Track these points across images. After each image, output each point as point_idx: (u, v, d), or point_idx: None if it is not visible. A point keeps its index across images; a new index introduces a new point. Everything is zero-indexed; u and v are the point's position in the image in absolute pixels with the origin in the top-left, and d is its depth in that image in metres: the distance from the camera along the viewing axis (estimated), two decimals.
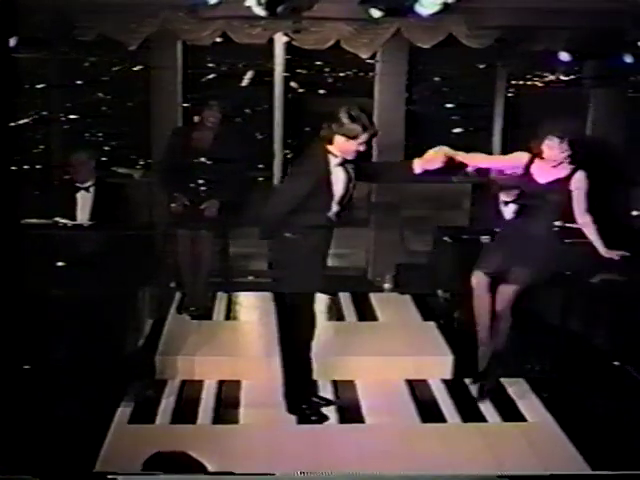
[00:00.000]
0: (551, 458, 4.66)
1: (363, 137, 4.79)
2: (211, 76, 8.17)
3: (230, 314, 6.95)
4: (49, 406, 4.68)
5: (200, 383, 5.66)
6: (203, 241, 6.74)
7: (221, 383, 5.67)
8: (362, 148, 4.84)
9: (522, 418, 5.26)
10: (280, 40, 7.41)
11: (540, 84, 8.43)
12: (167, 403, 5.37)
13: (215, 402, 5.42)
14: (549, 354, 5.74)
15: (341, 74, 8.43)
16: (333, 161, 4.85)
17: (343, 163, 4.86)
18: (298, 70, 8.19)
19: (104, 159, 7.89)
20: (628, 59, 7.04)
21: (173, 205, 6.59)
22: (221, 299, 7.18)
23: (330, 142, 4.83)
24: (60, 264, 5.68)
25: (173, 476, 4.03)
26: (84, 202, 6.44)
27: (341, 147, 4.82)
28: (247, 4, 6.43)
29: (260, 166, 8.00)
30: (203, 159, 6.55)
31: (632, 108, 7.82)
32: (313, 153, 4.93)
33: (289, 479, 4.03)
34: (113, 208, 6.44)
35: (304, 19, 6.87)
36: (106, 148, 8.15)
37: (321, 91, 8.44)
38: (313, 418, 5.14)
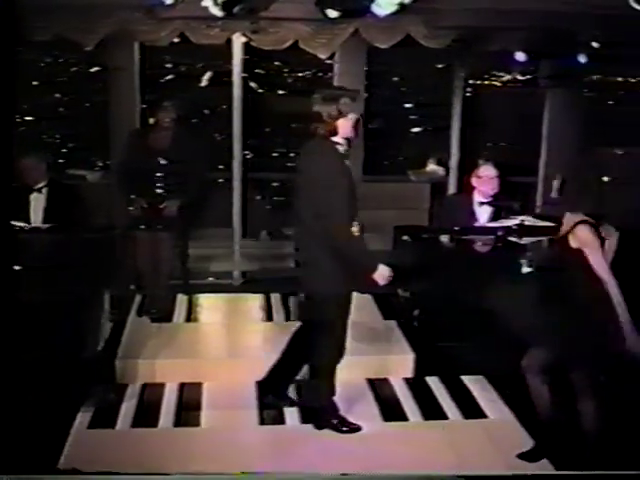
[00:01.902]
0: (512, 454, 4.69)
1: (357, 110, 4.80)
2: (169, 77, 8.12)
3: (191, 316, 6.91)
4: (6, 412, 4.61)
5: (161, 386, 5.61)
6: (162, 243, 6.70)
7: (182, 386, 5.63)
8: (356, 117, 4.76)
9: (483, 415, 5.30)
10: (238, 40, 7.39)
11: (498, 84, 8.52)
12: (128, 407, 5.32)
13: (177, 405, 5.38)
14: (510, 351, 5.78)
15: (300, 74, 8.44)
16: (340, 149, 4.80)
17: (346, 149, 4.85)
18: (257, 70, 8.18)
19: (61, 161, 7.82)
20: (582, 59, 7.14)
21: (131, 207, 6.54)
22: (181, 301, 7.13)
23: (332, 133, 4.76)
24: (16, 268, 5.59)
25: (173, 476, 4.02)
26: (37, 204, 6.34)
27: (344, 130, 4.76)
28: (204, 4, 6.40)
29: (220, 167, 7.98)
30: (161, 160, 6.52)
31: (588, 107, 7.94)
32: (325, 152, 4.82)
33: (289, 479, 4.04)
34: (68, 210, 6.35)
35: (262, 19, 6.85)
36: (63, 150, 8.08)
37: (280, 91, 8.43)
38: (344, 429, 5.05)
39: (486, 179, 6.30)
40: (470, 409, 5.36)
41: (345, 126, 4.75)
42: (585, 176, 5.27)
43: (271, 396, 5.28)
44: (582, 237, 4.44)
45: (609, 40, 7.01)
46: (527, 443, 4.82)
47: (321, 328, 4.94)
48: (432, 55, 7.70)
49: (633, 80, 8.31)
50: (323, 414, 5.06)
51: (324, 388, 5.06)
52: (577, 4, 6.46)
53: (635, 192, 7.56)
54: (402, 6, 6.30)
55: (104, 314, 6.36)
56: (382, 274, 4.84)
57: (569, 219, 4.53)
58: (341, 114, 4.72)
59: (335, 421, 5.03)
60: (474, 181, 6.37)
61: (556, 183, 7.18)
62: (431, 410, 5.34)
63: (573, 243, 4.46)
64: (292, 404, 5.34)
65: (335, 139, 4.77)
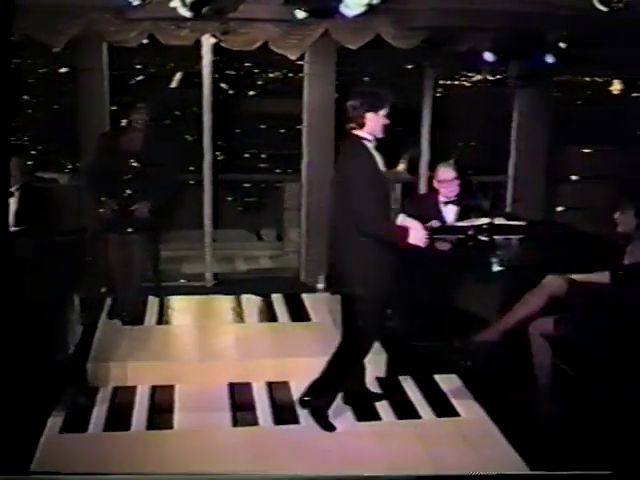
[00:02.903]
0: (485, 453, 4.73)
1: (388, 105, 4.86)
2: (139, 78, 8.09)
3: (162, 318, 6.88)
4: None
5: (133, 389, 5.58)
6: (134, 245, 6.66)
7: (154, 388, 5.61)
8: (388, 121, 4.87)
9: (456, 413, 5.33)
10: (208, 41, 7.36)
11: (467, 84, 8.58)
12: (99, 411, 5.28)
13: (149, 408, 5.36)
14: (481, 350, 5.83)
15: (271, 75, 8.44)
16: (370, 146, 4.87)
17: (375, 146, 4.91)
18: (227, 71, 8.17)
19: (30, 163, 7.75)
20: (550, 59, 7.21)
21: (102, 209, 6.51)
22: (153, 303, 7.10)
23: (361, 126, 4.84)
24: None
25: (172, 476, 4.01)
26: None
27: (372, 125, 4.84)
28: (172, 5, 6.37)
29: (191, 168, 7.95)
30: (132, 162, 6.49)
31: (556, 106, 8.02)
32: (354, 145, 4.91)
33: (289, 479, 4.04)
34: (39, 213, 6.30)
35: (231, 20, 6.83)
36: (32, 152, 8.02)
37: (251, 92, 8.43)
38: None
39: (445, 182, 6.36)
40: (443, 408, 5.38)
41: (375, 122, 4.84)
42: None
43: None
44: None
45: (576, 40, 7.09)
46: (499, 440, 4.86)
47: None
48: (402, 55, 7.72)
49: (600, 80, 8.41)
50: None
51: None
52: (544, 5, 6.51)
53: (602, 190, 7.68)
54: (370, 7, 6.31)
55: (75, 317, 6.31)
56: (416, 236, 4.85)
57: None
58: (369, 109, 4.81)
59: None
60: (435, 183, 6.43)
61: None
62: (404, 409, 5.35)
63: None
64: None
65: (362, 134, 4.86)
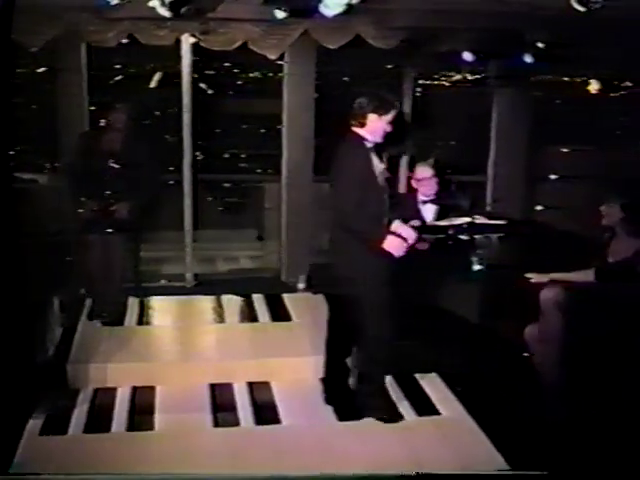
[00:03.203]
0: (466, 451, 4.76)
1: (393, 112, 4.92)
2: (119, 78, 8.05)
3: (143, 319, 6.85)
4: None
5: (113, 391, 5.56)
6: (114, 246, 6.64)
7: (135, 390, 5.59)
8: (389, 128, 4.93)
9: (436, 412, 5.35)
10: (187, 41, 7.34)
11: (447, 84, 8.61)
12: (80, 412, 5.26)
13: (129, 409, 5.34)
14: (461, 348, 5.85)
15: (250, 75, 8.42)
16: (368, 146, 4.93)
17: (373, 148, 4.97)
18: (207, 71, 8.14)
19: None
20: (528, 59, 7.24)
21: (81, 210, 6.48)
22: (133, 304, 7.07)
23: (362, 125, 4.91)
24: None
25: (171, 476, 4.00)
26: None
27: (372, 127, 4.90)
28: (151, 5, 6.35)
29: (170, 169, 7.92)
30: (111, 162, 6.46)
31: (535, 106, 8.06)
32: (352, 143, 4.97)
33: (288, 479, 4.04)
34: (18, 213, 6.25)
35: (211, 20, 6.81)
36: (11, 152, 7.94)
37: (231, 92, 8.41)
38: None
39: (423, 180, 6.39)
40: (423, 407, 5.40)
41: (377, 125, 4.91)
42: None
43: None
44: None
45: (554, 40, 7.13)
46: (480, 439, 4.88)
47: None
48: (382, 55, 7.73)
49: (579, 80, 8.46)
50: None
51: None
52: (522, 5, 6.54)
53: (581, 189, 7.72)
54: (350, 7, 6.32)
55: (54, 318, 6.28)
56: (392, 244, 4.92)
57: None
58: (373, 111, 4.89)
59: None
60: (413, 182, 6.46)
61: None
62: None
63: None
64: None
65: (362, 133, 4.93)
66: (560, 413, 4.84)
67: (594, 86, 7.97)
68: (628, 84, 8.64)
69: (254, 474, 4.44)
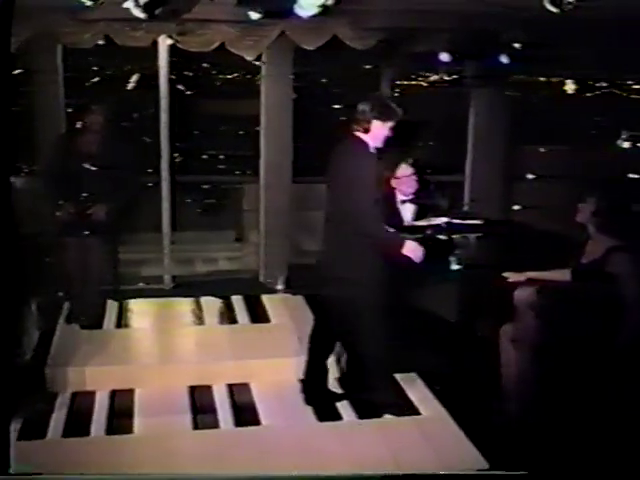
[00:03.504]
0: (446, 450, 4.76)
1: (396, 119, 4.97)
2: (95, 80, 8.01)
3: (121, 322, 6.82)
4: None
5: (92, 394, 5.53)
6: (91, 248, 6.60)
7: (114, 393, 5.56)
8: (391, 133, 4.97)
9: (416, 412, 5.36)
10: (164, 43, 7.32)
11: (424, 84, 8.64)
12: (58, 416, 5.23)
13: (108, 413, 5.31)
14: (440, 348, 5.87)
15: (228, 76, 8.42)
16: (373, 152, 4.98)
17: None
18: (185, 73, 8.13)
19: None
20: (505, 60, 7.28)
21: (58, 212, 6.44)
22: (112, 307, 7.03)
23: (365, 131, 4.94)
24: None
25: (171, 475, 3.97)
26: None
27: (376, 133, 4.94)
28: (125, 6, 6.31)
29: (149, 170, 7.89)
30: (88, 165, 6.42)
31: (512, 106, 8.10)
32: (358, 148, 5.00)
33: (288, 479, 4.03)
34: None
35: (187, 21, 6.80)
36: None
37: (208, 93, 8.40)
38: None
39: (402, 178, 6.42)
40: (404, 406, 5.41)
41: (380, 131, 4.95)
42: None
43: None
44: None
45: (530, 41, 7.17)
46: (460, 438, 4.90)
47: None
48: (359, 56, 7.74)
49: (555, 80, 8.52)
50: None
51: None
52: (497, 5, 6.57)
53: (558, 188, 7.77)
54: (325, 8, 6.32)
55: (32, 322, 6.23)
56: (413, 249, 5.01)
57: None
58: (377, 117, 4.92)
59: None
60: (392, 182, 6.47)
61: None
62: (365, 409, 5.37)
63: None
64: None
65: (366, 139, 4.95)
66: (533, 413, 4.86)
67: (570, 86, 8.02)
68: (603, 84, 8.72)
69: (234, 475, 4.42)
